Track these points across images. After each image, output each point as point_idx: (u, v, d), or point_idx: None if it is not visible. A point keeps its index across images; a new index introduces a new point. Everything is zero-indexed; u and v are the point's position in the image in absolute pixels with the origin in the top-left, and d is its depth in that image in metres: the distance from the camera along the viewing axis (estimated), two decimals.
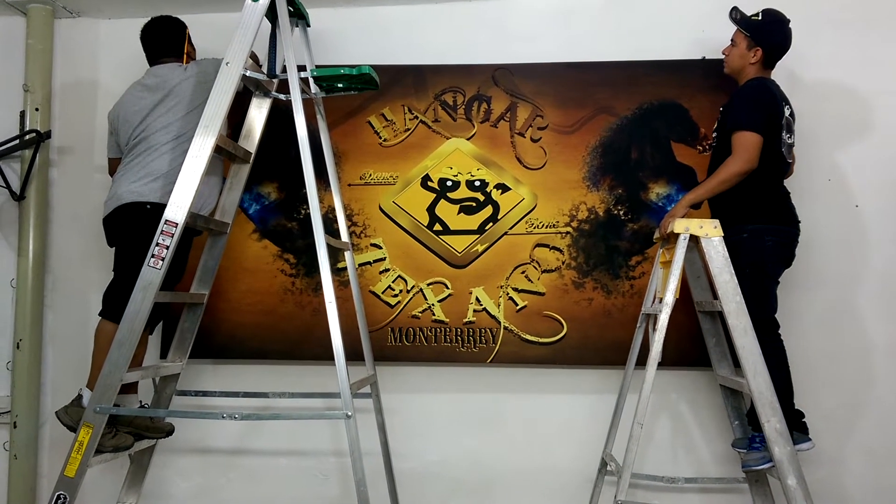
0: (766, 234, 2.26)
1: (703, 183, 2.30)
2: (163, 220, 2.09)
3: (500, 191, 2.70)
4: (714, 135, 2.46)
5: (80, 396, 2.22)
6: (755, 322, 2.14)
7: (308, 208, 2.13)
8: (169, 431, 2.36)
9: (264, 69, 2.38)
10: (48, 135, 2.74)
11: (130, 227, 2.26)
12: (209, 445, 2.70)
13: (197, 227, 2.29)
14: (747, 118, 2.22)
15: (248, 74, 2.20)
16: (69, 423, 2.18)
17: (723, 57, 2.44)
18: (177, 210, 2.09)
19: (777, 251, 2.28)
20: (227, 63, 2.14)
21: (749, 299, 2.16)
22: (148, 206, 2.24)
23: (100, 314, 2.27)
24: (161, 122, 2.29)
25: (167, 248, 2.08)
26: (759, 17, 2.31)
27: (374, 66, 2.33)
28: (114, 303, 2.22)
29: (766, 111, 2.24)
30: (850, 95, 2.62)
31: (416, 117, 2.73)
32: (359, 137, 2.73)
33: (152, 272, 2.08)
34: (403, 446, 2.62)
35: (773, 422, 2.08)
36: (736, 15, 2.34)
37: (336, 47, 2.70)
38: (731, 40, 2.38)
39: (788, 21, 2.33)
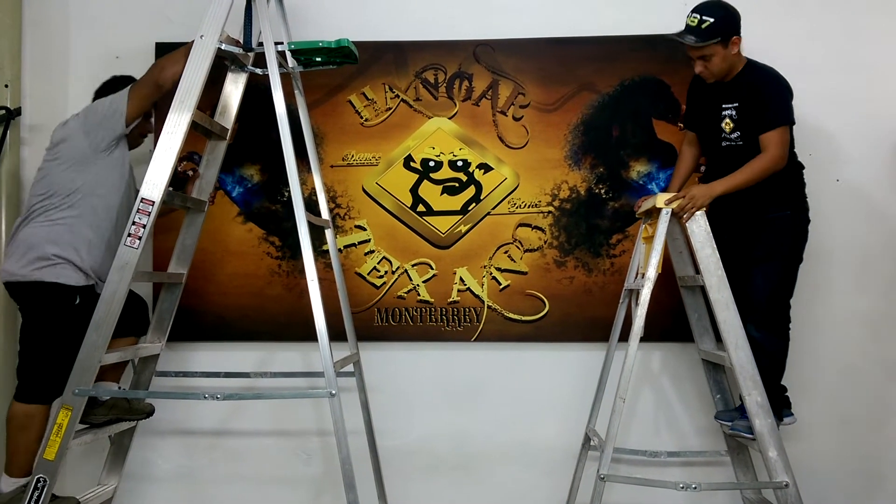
0: (806, 214, 2.26)
1: (735, 176, 2.16)
2: (139, 199, 2.06)
3: (482, 171, 2.68)
4: (728, 128, 2.25)
5: None
6: (780, 311, 2.20)
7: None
8: (149, 412, 2.33)
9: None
10: (18, 112, 2.68)
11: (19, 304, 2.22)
12: (191, 426, 2.68)
13: (174, 206, 2.26)
14: (786, 113, 2.16)
15: (223, 48, 2.16)
16: None
17: None
18: (153, 188, 2.06)
19: (806, 237, 2.27)
20: (201, 36, 2.10)
21: (780, 284, 2.20)
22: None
23: (22, 399, 2.13)
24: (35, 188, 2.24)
25: (144, 226, 2.05)
26: (711, 19, 2.12)
27: (353, 42, 2.30)
28: (39, 384, 2.13)
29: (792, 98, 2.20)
30: (831, 69, 2.63)
31: (397, 96, 2.70)
32: (340, 117, 2.69)
33: (129, 252, 2.05)
34: (388, 424, 2.63)
35: (753, 395, 2.11)
36: (694, 39, 2.14)
37: (313, 22, 2.64)
38: (701, 57, 2.19)
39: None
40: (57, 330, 2.15)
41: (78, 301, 2.16)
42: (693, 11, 2.18)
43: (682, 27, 2.21)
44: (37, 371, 2.14)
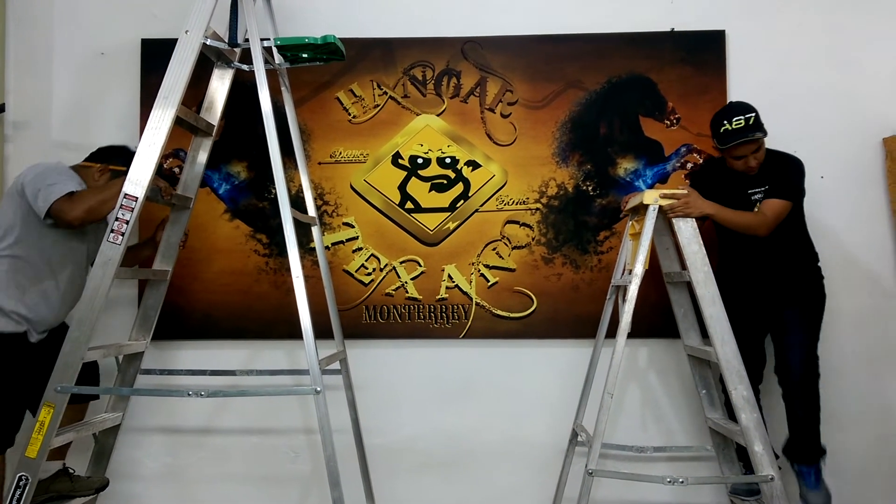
0: (821, 284, 2.42)
1: (730, 211, 2.27)
2: (122, 195, 2.04)
3: (470, 168, 2.68)
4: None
5: None
6: (814, 377, 2.31)
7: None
8: (100, 487, 2.27)
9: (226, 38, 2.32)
10: (2, 108, 2.66)
11: None
12: (177, 425, 2.66)
13: (158, 202, 2.24)
14: (795, 192, 2.32)
15: (208, 43, 2.15)
16: None
17: (690, 29, 2.47)
18: (135, 186, 2.05)
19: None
20: (186, 32, 2.09)
21: (811, 352, 2.31)
22: None
23: None
24: None
25: (127, 222, 2.04)
26: (752, 114, 2.28)
27: (340, 39, 2.30)
28: None
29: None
30: (816, 66, 2.65)
31: (386, 93, 2.69)
32: (328, 114, 2.69)
33: (112, 248, 2.03)
34: (376, 422, 2.62)
35: (739, 389, 2.12)
36: (760, 133, 2.27)
37: (300, 18, 2.64)
38: (754, 150, 2.30)
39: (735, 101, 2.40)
40: None
41: (8, 349, 2.11)
42: (735, 116, 2.28)
43: (728, 133, 2.28)
44: None
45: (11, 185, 2.18)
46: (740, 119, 2.27)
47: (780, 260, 2.35)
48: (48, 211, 2.08)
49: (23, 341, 2.16)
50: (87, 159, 2.30)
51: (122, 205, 2.04)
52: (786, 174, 2.33)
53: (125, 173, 2.18)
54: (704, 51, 2.64)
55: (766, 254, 2.35)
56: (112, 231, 2.03)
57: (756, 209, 2.34)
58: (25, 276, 2.14)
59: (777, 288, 2.36)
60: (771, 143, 2.59)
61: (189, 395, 2.05)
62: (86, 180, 2.23)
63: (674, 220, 2.21)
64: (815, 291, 2.39)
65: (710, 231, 2.43)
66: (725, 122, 2.29)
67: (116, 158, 2.28)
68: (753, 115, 2.28)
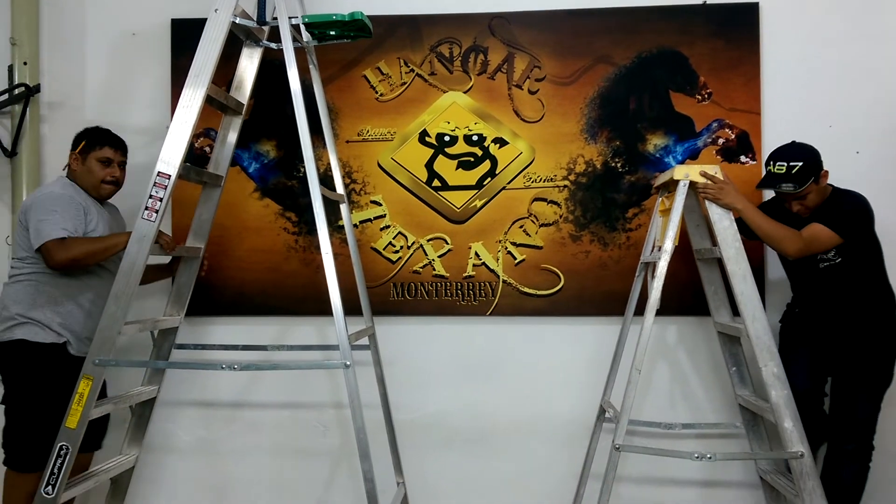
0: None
1: (760, 214, 2.19)
2: (155, 173, 2.08)
3: (497, 145, 2.67)
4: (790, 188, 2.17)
5: None
6: (873, 425, 2.21)
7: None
8: None
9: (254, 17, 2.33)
10: (37, 89, 2.70)
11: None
12: (210, 398, 2.72)
13: (189, 180, 2.28)
14: (847, 230, 2.16)
15: (237, 21, 2.16)
16: None
17: (723, 2, 2.41)
18: (167, 165, 2.09)
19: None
20: (215, 10, 2.11)
21: (877, 404, 2.21)
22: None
23: (3, 463, 2.21)
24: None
25: (161, 200, 2.08)
26: (800, 162, 2.15)
27: (367, 16, 2.30)
28: (15, 449, 2.17)
29: (869, 226, 2.23)
30: (851, 40, 2.58)
31: (412, 70, 2.69)
32: (355, 92, 2.69)
33: (146, 224, 2.08)
34: (404, 398, 2.65)
35: (770, 366, 2.10)
36: (793, 187, 2.15)
37: None
38: (797, 197, 2.19)
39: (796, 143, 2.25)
40: (29, 392, 2.17)
41: (50, 361, 2.17)
42: (776, 160, 2.18)
43: (766, 176, 2.22)
44: (14, 438, 2.18)
45: (20, 211, 2.24)
46: (782, 165, 2.16)
47: (853, 310, 2.24)
48: (39, 248, 2.14)
49: (63, 352, 2.21)
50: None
51: (155, 182, 2.08)
52: (840, 208, 2.20)
53: (91, 145, 2.29)
54: (737, 24, 2.57)
55: (839, 302, 2.26)
56: (146, 208, 2.07)
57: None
58: (55, 288, 2.21)
59: (847, 339, 2.24)
60: (807, 116, 2.54)
61: (223, 368, 2.09)
62: (78, 175, 2.30)
63: (703, 197, 2.18)
64: (889, 350, 2.24)
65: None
66: (770, 161, 2.20)
67: (76, 147, 2.32)
68: (800, 164, 2.14)
